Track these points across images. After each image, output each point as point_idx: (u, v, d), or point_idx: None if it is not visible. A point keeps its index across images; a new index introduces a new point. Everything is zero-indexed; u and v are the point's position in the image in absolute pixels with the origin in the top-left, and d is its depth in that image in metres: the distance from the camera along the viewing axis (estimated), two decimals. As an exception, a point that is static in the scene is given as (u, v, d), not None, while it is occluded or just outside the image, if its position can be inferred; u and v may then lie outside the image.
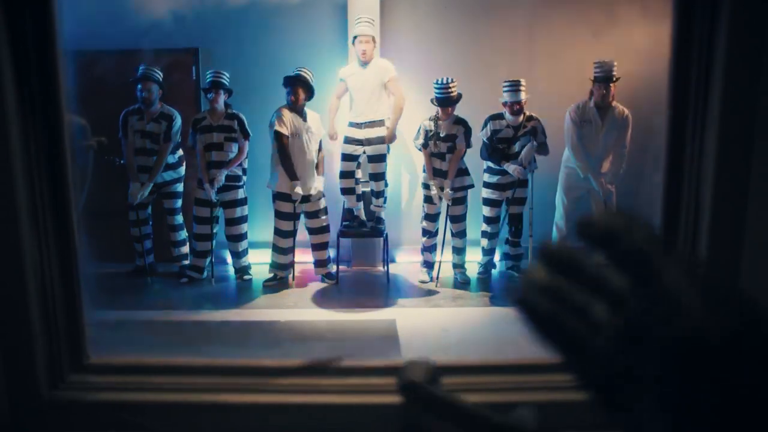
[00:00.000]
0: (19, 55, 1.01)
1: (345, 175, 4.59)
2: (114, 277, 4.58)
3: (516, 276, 4.66)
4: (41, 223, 0.94)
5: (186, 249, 4.75)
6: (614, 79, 4.41)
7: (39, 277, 0.93)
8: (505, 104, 4.41)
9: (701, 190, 0.98)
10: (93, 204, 4.47)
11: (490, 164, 4.53)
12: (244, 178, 4.59)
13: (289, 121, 4.25)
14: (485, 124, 4.48)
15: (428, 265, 4.65)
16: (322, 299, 4.25)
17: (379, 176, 4.61)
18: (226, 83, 4.38)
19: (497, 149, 4.45)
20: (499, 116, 4.47)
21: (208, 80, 4.38)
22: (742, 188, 0.97)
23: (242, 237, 4.61)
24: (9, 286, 0.92)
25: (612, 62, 4.42)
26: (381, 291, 4.46)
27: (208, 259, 4.61)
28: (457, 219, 4.55)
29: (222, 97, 4.37)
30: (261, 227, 4.85)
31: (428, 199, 4.53)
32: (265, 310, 3.97)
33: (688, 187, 0.97)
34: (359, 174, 4.69)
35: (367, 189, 4.76)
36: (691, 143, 0.92)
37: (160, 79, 4.46)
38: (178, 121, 4.52)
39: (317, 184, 4.45)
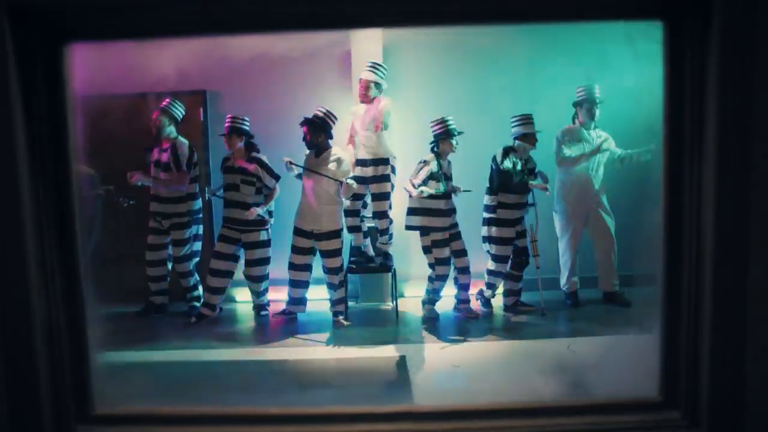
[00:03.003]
0: (30, 105, 1.04)
1: (350, 213, 4.61)
2: (122, 318, 4.57)
3: (522, 311, 4.59)
4: (49, 274, 0.95)
5: (198, 292, 4.75)
6: (598, 100, 4.52)
7: (47, 328, 0.93)
8: (521, 137, 4.41)
9: (702, 219, 0.98)
10: (105, 247, 4.46)
11: (503, 200, 4.45)
12: (271, 220, 4.58)
13: (304, 159, 4.42)
14: (506, 155, 4.40)
15: (433, 302, 4.59)
16: (331, 336, 4.22)
17: (382, 214, 4.62)
18: (240, 128, 4.46)
19: (518, 176, 4.42)
20: (512, 149, 4.48)
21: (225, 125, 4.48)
22: (742, 211, 0.97)
23: (262, 278, 4.58)
24: (17, 337, 0.92)
25: (594, 84, 4.53)
26: (390, 327, 4.42)
27: (223, 297, 4.59)
28: (462, 253, 4.52)
29: (235, 141, 4.44)
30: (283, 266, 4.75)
31: (436, 244, 4.41)
32: (273, 349, 3.93)
33: (689, 221, 0.97)
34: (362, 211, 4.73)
35: (372, 225, 4.77)
36: (689, 179, 0.93)
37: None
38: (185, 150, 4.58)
39: (330, 222, 4.42)
